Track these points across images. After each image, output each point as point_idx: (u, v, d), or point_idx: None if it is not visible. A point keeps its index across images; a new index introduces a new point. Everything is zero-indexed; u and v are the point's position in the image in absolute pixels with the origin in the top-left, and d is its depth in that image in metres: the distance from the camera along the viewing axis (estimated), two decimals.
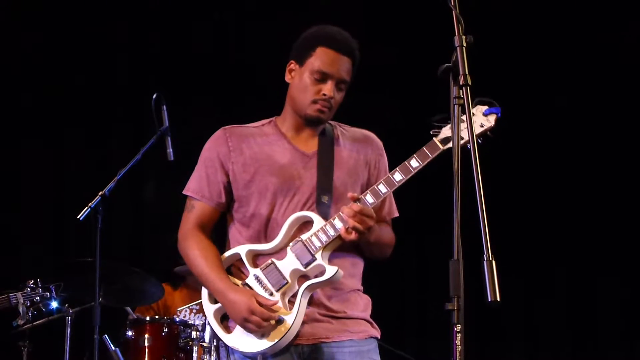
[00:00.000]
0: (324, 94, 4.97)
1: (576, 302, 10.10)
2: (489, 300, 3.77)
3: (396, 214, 5.19)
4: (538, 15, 10.01)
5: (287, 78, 5.09)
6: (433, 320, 9.41)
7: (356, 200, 4.82)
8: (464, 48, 4.05)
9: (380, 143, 5.25)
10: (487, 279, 3.81)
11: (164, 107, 6.84)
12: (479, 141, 4.74)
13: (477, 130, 4.75)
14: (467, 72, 4.02)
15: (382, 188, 4.87)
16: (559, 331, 10.14)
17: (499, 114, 4.78)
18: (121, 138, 9.23)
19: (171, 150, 6.80)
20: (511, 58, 9.80)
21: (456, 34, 4.07)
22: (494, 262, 3.80)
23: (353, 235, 4.81)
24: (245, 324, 4.85)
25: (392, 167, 5.06)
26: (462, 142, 4.23)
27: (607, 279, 10.01)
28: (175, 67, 9.41)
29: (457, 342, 3.81)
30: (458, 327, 3.83)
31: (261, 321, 4.82)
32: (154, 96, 6.83)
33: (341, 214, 4.83)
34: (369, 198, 4.87)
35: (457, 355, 3.81)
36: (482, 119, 4.79)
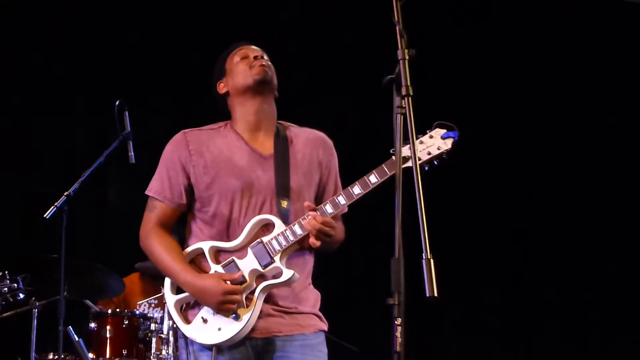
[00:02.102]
0: (254, 57, 5.21)
1: (511, 299, 10.19)
2: (428, 295, 3.86)
3: (345, 210, 5.20)
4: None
5: (222, 90, 5.31)
6: (377, 314, 9.42)
7: (315, 209, 4.92)
8: (406, 61, 4.13)
9: (330, 143, 5.36)
10: (425, 276, 3.89)
11: (126, 112, 6.88)
12: (435, 163, 4.89)
13: (434, 152, 4.88)
14: (409, 84, 4.10)
15: (342, 200, 4.98)
16: (494, 325, 10.21)
17: (456, 138, 4.88)
18: (85, 140, 9.20)
19: (133, 153, 6.85)
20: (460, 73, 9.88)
21: (399, 47, 4.15)
22: (432, 260, 3.89)
23: (318, 243, 4.93)
24: (223, 306, 4.95)
25: (345, 171, 5.29)
26: (419, 162, 4.63)
27: (539, 278, 10.13)
28: (135, 70, 9.41)
29: (398, 334, 3.87)
30: (398, 321, 3.88)
31: (238, 297, 4.93)
32: (117, 102, 6.87)
33: (301, 221, 4.94)
34: (329, 208, 4.98)
35: (398, 346, 3.87)
36: (440, 141, 4.90)
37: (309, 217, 4.92)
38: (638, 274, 10.04)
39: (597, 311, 10.11)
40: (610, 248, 10.13)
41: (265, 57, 5.29)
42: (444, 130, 4.89)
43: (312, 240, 4.93)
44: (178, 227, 5.30)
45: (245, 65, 5.22)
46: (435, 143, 4.89)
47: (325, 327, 5.20)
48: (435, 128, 4.91)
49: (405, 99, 4.09)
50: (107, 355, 7.57)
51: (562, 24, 10.10)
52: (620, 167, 10.18)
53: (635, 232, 10.13)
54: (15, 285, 6.85)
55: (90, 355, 7.39)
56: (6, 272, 6.85)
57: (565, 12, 10.03)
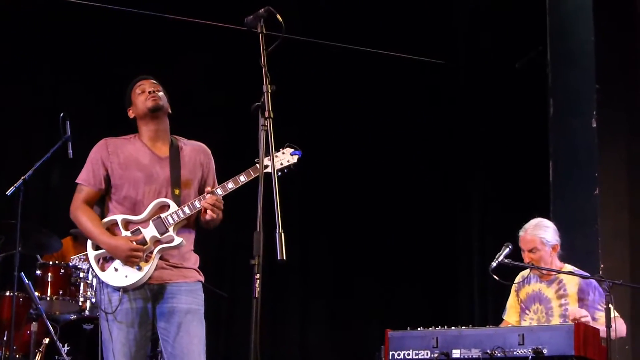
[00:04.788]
0: (148, 92, 5.17)
1: (335, 262, 10.24)
2: (278, 258, 3.93)
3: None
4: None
5: (131, 115, 5.27)
6: (243, 270, 9.39)
7: (212, 192, 4.97)
8: (269, 93, 4.19)
9: (209, 151, 5.34)
10: (277, 245, 3.96)
11: (67, 122, 6.81)
12: (285, 171, 4.95)
13: (285, 163, 4.96)
14: (270, 109, 4.16)
15: (219, 191, 5.00)
16: (325, 280, 10.24)
17: (300, 155, 4.97)
18: (39, 141, 8.97)
19: (71, 151, 6.77)
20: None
21: (264, 83, 4.21)
22: (282, 233, 3.95)
23: (214, 215, 4.97)
24: (130, 259, 4.93)
25: (223, 173, 5.21)
26: (278, 167, 4.85)
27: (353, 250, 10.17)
28: (75, 93, 9.22)
29: (257, 285, 3.95)
30: (257, 276, 3.97)
31: (141, 254, 4.92)
32: (61, 114, 6.80)
33: (190, 204, 4.99)
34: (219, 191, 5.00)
35: (256, 293, 3.94)
36: (290, 157, 4.97)
37: (208, 196, 4.96)
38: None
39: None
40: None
41: (159, 89, 5.23)
42: (292, 149, 4.98)
43: (209, 214, 4.95)
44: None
45: (143, 98, 5.17)
46: (286, 157, 4.96)
47: (202, 279, 5.17)
48: (286, 147, 4.99)
49: (267, 120, 4.15)
50: (48, 294, 7.39)
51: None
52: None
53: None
54: None
55: (37, 293, 7.18)
56: None
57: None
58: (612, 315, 5.63)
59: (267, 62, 4.25)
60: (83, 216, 5.07)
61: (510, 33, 9.62)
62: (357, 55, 10.04)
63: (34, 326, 7.03)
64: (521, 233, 6.42)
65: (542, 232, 6.40)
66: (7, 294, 7.29)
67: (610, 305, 5.65)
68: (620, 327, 6.08)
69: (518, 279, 6.57)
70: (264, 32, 4.30)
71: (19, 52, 9.08)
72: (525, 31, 9.33)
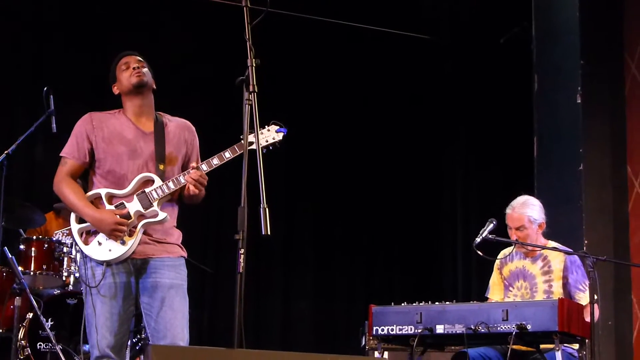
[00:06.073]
0: (132, 68, 5.12)
1: (316, 236, 10.28)
2: (263, 233, 3.99)
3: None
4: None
5: (115, 91, 5.23)
6: (228, 245, 9.38)
7: (196, 167, 4.96)
8: (253, 67, 4.24)
9: (193, 128, 5.32)
10: (262, 220, 4.00)
11: (51, 96, 6.76)
12: (270, 148, 4.95)
13: (270, 141, 4.96)
14: (254, 83, 4.21)
15: (204, 167, 4.99)
16: (309, 255, 10.24)
17: (285, 133, 4.97)
18: (22, 115, 8.91)
19: (54, 125, 6.71)
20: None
21: (249, 57, 4.24)
22: (267, 208, 4.00)
23: (196, 191, 4.96)
24: (114, 233, 4.91)
25: (207, 150, 5.18)
26: (263, 144, 4.82)
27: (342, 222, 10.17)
28: (61, 68, 9.11)
29: (241, 260, 4.00)
30: (242, 251, 4.02)
31: (125, 228, 4.91)
32: (45, 89, 6.74)
33: (174, 179, 4.98)
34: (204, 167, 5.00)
35: (240, 268, 3.99)
36: (275, 134, 4.98)
37: (192, 171, 4.94)
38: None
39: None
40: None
41: (144, 65, 5.20)
42: (277, 127, 4.98)
43: (192, 189, 4.94)
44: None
45: (127, 74, 5.13)
46: (271, 135, 4.96)
47: (185, 254, 5.16)
48: (271, 124, 4.98)
49: (252, 94, 4.18)
50: (32, 269, 7.38)
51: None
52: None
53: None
54: None
55: (20, 268, 7.14)
56: None
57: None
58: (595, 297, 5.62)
59: (251, 36, 4.25)
60: (67, 188, 5.05)
61: (495, 8, 9.59)
62: (342, 31, 9.99)
63: (17, 301, 6.98)
64: (508, 211, 6.40)
65: (529, 210, 6.38)
66: None
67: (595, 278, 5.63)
68: (595, 312, 6.07)
69: (500, 256, 6.55)
70: (249, 5, 4.29)
71: (0, 24, 8.97)
72: (510, 6, 9.30)
